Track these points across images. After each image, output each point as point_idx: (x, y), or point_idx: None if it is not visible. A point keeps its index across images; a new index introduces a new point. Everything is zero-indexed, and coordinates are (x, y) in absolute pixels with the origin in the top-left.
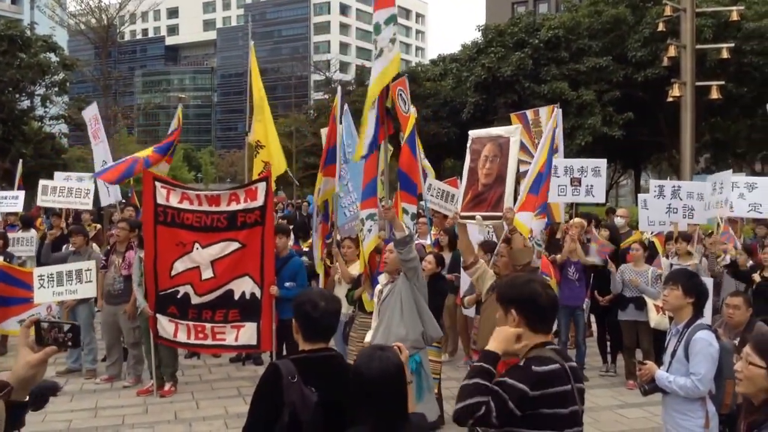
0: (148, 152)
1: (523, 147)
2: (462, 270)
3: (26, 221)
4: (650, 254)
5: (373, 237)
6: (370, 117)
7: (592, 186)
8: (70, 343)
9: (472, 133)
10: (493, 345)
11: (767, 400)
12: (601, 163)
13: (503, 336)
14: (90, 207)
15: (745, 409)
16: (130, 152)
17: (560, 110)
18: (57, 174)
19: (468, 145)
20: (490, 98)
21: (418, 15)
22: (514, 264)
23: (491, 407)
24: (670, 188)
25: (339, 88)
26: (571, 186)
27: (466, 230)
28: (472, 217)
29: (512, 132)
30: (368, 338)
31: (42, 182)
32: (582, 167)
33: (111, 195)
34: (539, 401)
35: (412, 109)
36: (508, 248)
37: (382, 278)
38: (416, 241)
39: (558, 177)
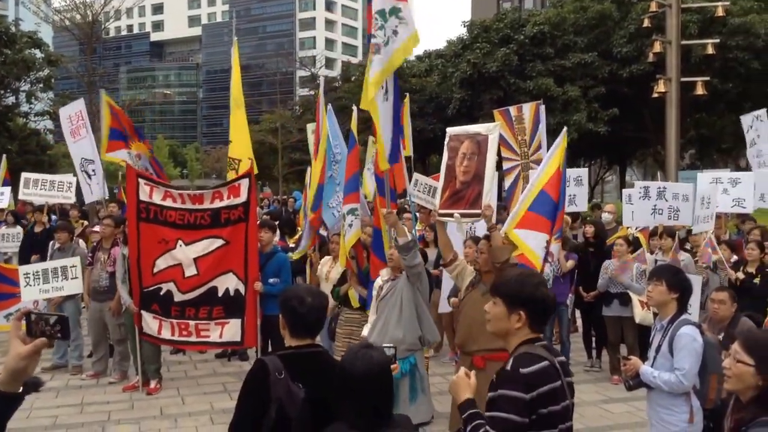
0: (143, 148)
1: (505, 143)
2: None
3: (16, 217)
4: (635, 250)
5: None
6: (384, 126)
7: (574, 195)
8: (59, 335)
9: (450, 131)
10: (461, 397)
11: (755, 397)
12: (583, 172)
13: (461, 386)
14: (72, 200)
15: (733, 407)
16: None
17: (543, 107)
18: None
19: (446, 142)
20: (476, 94)
21: None
22: (493, 261)
23: None
24: (656, 189)
25: (321, 80)
26: None
27: (444, 228)
28: (451, 215)
29: (491, 129)
30: (365, 332)
31: (24, 175)
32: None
33: (94, 192)
34: (535, 403)
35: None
36: (488, 245)
37: (384, 273)
38: None
39: None
